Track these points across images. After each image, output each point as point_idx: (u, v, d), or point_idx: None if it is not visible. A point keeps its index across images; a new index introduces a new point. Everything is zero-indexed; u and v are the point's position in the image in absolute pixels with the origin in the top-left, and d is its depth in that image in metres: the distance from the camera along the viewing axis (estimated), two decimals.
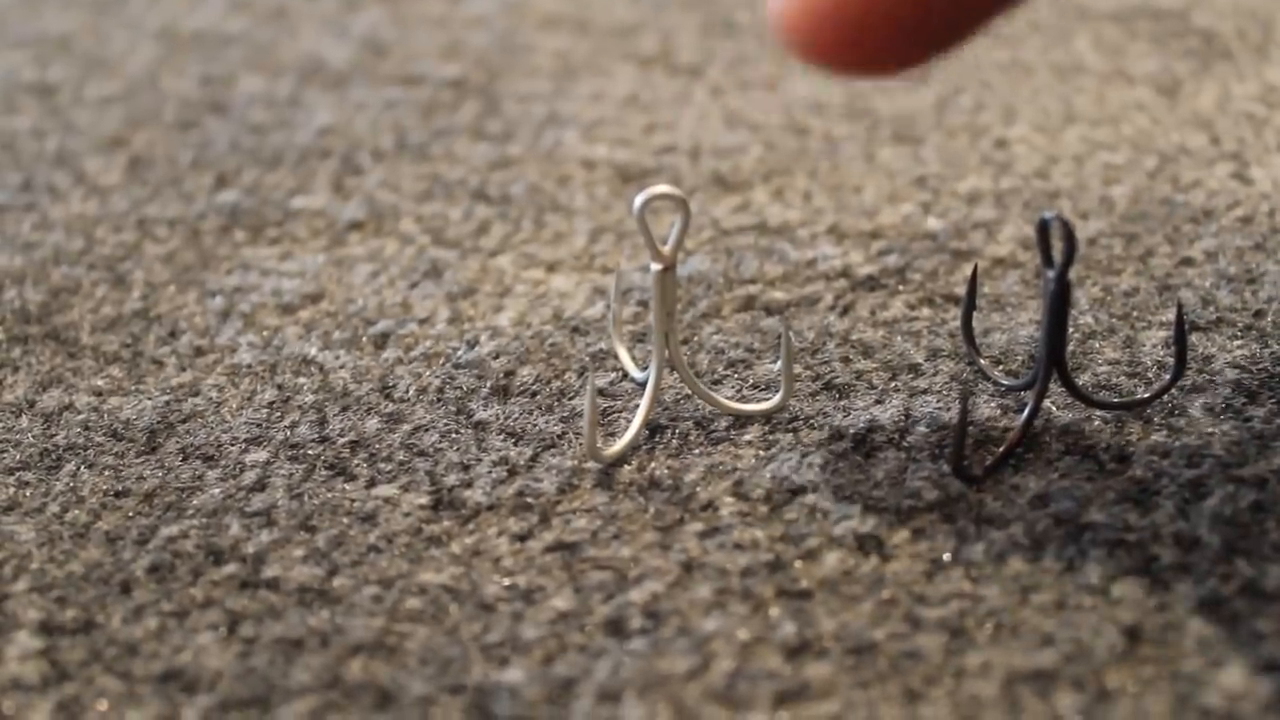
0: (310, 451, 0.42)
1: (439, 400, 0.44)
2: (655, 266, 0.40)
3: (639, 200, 0.39)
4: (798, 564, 0.37)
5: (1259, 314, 0.46)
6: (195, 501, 0.40)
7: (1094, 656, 0.34)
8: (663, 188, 0.39)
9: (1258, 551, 0.36)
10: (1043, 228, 0.39)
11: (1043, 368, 0.40)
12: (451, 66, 0.68)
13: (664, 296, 0.40)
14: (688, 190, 0.55)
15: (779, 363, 0.43)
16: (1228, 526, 0.37)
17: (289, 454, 0.42)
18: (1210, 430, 0.40)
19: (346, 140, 0.61)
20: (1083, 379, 0.43)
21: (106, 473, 0.41)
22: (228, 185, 0.57)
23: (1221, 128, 0.58)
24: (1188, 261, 0.49)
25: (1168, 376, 0.42)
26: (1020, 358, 0.44)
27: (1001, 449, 0.40)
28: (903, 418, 0.42)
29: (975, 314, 0.45)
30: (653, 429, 0.42)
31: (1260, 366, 0.43)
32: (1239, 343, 0.44)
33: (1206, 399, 0.42)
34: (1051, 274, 0.39)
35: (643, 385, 0.42)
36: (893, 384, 0.43)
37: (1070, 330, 0.44)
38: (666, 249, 0.40)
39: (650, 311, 0.43)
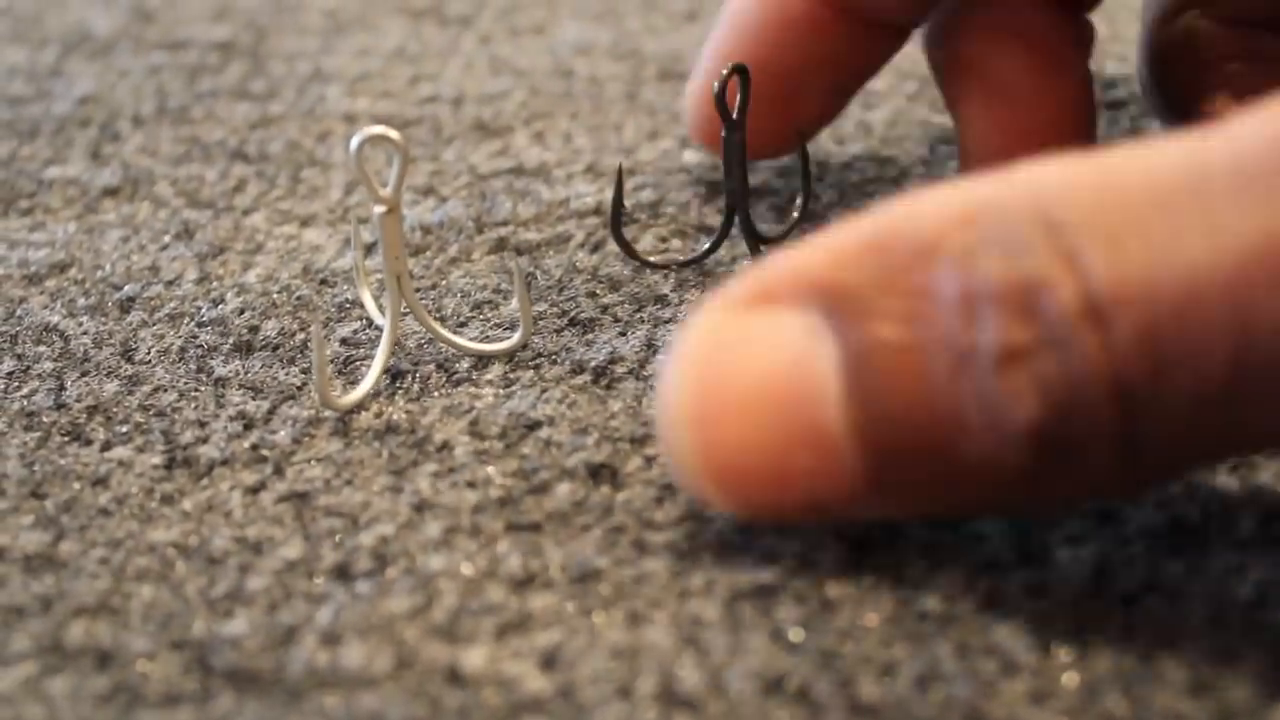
0: (46, 419, 0.41)
1: (180, 360, 0.43)
2: (378, 209, 0.39)
3: (354, 143, 0.38)
4: (529, 498, 0.36)
5: None
6: None
7: (818, 569, 0.34)
8: (377, 129, 0.38)
9: None
10: (721, 94, 0.42)
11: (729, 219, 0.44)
12: (220, 29, 0.67)
13: (390, 239, 0.40)
14: (447, 138, 0.55)
15: (515, 300, 0.43)
16: None
17: (24, 423, 0.41)
18: None
19: (107, 109, 0.59)
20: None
21: None
22: None
23: None
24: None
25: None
26: None
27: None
28: (645, 348, 0.42)
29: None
30: (394, 375, 0.41)
31: None
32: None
33: None
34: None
35: None
36: (638, 316, 0.43)
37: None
38: (387, 191, 0.39)
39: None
